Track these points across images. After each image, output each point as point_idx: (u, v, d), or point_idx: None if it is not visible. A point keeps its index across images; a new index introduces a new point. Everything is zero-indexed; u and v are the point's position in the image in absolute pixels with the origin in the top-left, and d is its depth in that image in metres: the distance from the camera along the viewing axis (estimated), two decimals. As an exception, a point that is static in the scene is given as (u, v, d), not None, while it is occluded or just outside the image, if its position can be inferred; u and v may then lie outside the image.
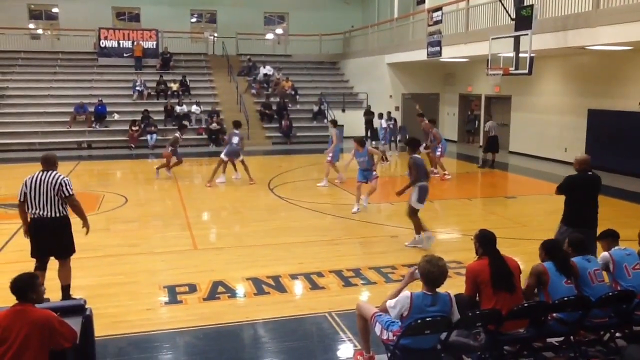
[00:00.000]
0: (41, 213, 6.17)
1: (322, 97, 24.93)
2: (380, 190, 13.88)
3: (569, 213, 6.91)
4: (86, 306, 4.46)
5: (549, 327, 4.89)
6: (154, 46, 26.34)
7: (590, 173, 6.92)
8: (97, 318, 4.91)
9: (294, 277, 7.37)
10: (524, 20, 13.75)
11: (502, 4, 15.01)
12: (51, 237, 6.25)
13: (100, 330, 5.32)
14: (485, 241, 4.97)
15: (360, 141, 11.50)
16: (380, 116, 19.45)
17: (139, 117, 21.92)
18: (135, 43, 25.82)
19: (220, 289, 6.95)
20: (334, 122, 14.81)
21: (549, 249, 5.05)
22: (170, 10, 27.87)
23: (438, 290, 4.36)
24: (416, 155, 8.80)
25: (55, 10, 27.86)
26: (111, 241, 9.16)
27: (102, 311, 5.92)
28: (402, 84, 24.58)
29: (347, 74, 28.02)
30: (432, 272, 4.29)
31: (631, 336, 5.16)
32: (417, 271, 4.48)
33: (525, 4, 14.02)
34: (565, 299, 4.75)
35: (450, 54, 18.94)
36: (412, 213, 8.75)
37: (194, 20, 30.01)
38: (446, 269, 4.36)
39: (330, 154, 14.12)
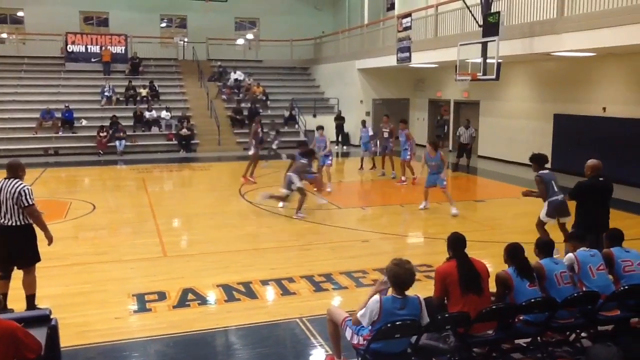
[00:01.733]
0: (2, 221, 6.05)
1: (293, 103, 24.95)
2: (352, 195, 13.95)
3: (581, 217, 6.95)
4: (52, 316, 4.37)
5: (517, 329, 4.96)
6: (123, 51, 26.03)
7: (601, 179, 6.95)
8: (65, 328, 4.82)
9: (264, 283, 7.33)
10: (491, 26, 13.97)
11: (470, 11, 15.24)
12: (12, 246, 6.11)
13: (68, 340, 5.23)
14: (454, 243, 5.03)
15: (434, 144, 11.52)
16: (364, 124, 17.82)
17: (107, 123, 21.62)
18: (103, 48, 25.46)
19: (190, 296, 6.88)
20: (320, 127, 14.93)
21: (510, 254, 5.14)
22: (140, 15, 27.56)
23: (407, 293, 4.39)
24: (543, 172, 8.40)
25: (20, 14, 27.29)
26: (79, 249, 8.99)
27: (69, 321, 5.81)
28: (372, 89, 24.74)
29: (318, 79, 28.10)
30: (399, 274, 4.31)
31: (596, 336, 5.27)
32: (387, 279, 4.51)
33: (492, 11, 14.26)
34: (532, 300, 4.83)
35: (419, 59, 19.15)
36: (539, 225, 8.47)
37: (163, 25, 29.74)
38: (413, 272, 4.38)
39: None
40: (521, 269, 5.00)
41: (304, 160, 11.45)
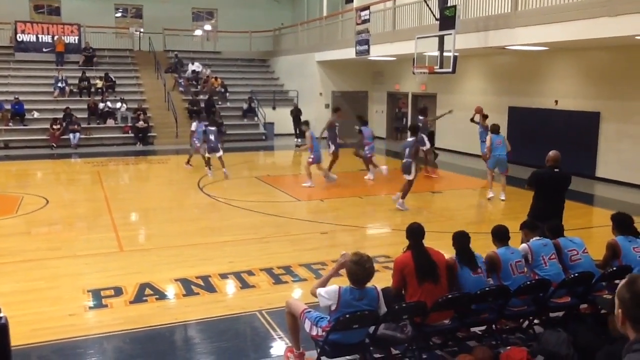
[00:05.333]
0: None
1: (252, 95, 24.78)
2: (310, 187, 13.96)
3: (533, 207, 7.16)
4: (1, 314, 4.24)
5: (472, 317, 5.07)
6: (76, 41, 25.31)
7: (557, 170, 7.12)
8: (16, 326, 4.69)
9: (223, 276, 7.29)
10: (447, 20, 14.14)
11: (427, 4, 15.40)
12: None
13: (20, 339, 5.08)
14: (411, 234, 5.10)
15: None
16: (201, 118, 15.94)
17: (60, 115, 21.01)
18: (56, 38, 24.70)
19: (148, 291, 6.77)
20: (306, 123, 14.41)
21: (453, 242, 5.26)
22: (93, 4, 26.88)
23: (367, 287, 4.43)
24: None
25: (-34, 1, 26.25)
26: (30, 245, 8.75)
27: (21, 319, 5.66)
28: (332, 82, 24.78)
29: (278, 72, 27.97)
30: (358, 274, 4.35)
31: (547, 322, 5.44)
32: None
33: (448, 5, 14.44)
34: (487, 289, 4.95)
35: (378, 52, 19.26)
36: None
37: (118, 15, 29.07)
38: (373, 271, 4.41)
39: (311, 156, 13.45)
40: (461, 256, 5.12)
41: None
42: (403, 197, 11.12)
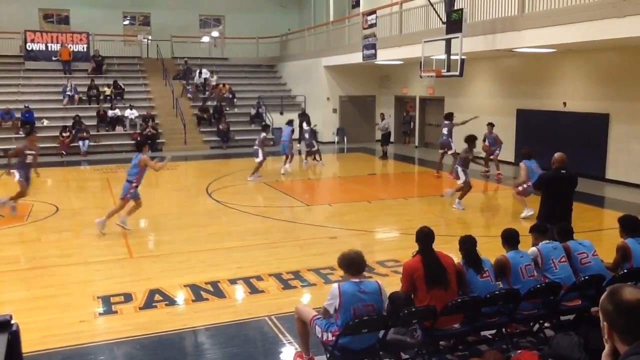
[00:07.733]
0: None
1: (260, 100, 24.83)
2: (318, 192, 13.98)
3: (542, 208, 7.21)
4: (12, 321, 4.26)
5: (482, 321, 5.04)
6: (85, 49, 25.50)
7: (563, 171, 7.13)
8: (27, 333, 4.72)
9: (233, 282, 7.29)
10: (454, 23, 14.12)
11: (434, 8, 15.39)
12: None
13: (31, 345, 5.11)
14: (419, 238, 5.08)
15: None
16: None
17: (70, 123, 21.16)
18: (60, 47, 24.84)
19: (157, 297, 6.79)
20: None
21: (460, 246, 5.25)
22: (102, 12, 27.05)
23: (366, 279, 4.53)
24: None
25: (-24, 12, 26.50)
26: (41, 252, 8.79)
27: (31, 326, 5.70)
28: (339, 87, 24.79)
29: (285, 77, 28.03)
30: (347, 253, 4.52)
31: (558, 325, 5.40)
32: None
33: (455, 8, 14.42)
34: (497, 293, 4.93)
35: (385, 56, 19.26)
36: None
37: (126, 22, 29.25)
38: (361, 256, 4.54)
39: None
40: (467, 259, 5.12)
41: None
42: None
